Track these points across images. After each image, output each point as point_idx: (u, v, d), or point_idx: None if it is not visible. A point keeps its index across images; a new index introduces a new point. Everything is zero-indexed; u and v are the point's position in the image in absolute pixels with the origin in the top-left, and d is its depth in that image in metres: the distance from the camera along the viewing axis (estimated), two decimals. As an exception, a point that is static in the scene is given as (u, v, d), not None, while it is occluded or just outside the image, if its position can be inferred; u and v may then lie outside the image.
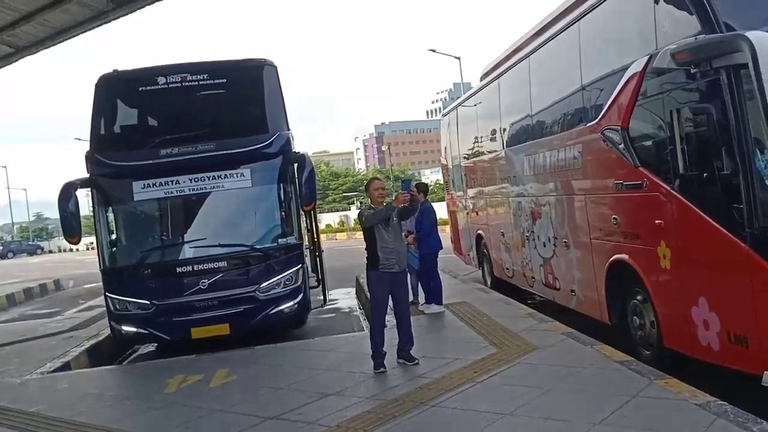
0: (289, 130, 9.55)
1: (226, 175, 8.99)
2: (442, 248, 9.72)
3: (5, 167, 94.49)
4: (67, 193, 8.69)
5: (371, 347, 6.52)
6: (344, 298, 13.93)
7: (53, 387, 7.37)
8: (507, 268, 11.16)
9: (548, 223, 8.78)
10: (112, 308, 9.05)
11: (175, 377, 7.09)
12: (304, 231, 9.69)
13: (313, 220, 10.11)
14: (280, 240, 9.20)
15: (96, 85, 9.38)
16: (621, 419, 4.52)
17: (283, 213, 9.33)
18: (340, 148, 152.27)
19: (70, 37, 11.75)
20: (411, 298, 9.93)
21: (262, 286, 8.90)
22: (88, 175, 9.07)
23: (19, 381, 7.73)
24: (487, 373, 5.91)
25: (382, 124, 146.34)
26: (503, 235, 11.05)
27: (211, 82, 9.48)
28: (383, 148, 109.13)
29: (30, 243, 76.45)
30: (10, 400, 6.74)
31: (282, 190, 9.25)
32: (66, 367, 8.56)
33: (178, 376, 7.14)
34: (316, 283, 10.37)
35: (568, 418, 4.61)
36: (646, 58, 5.76)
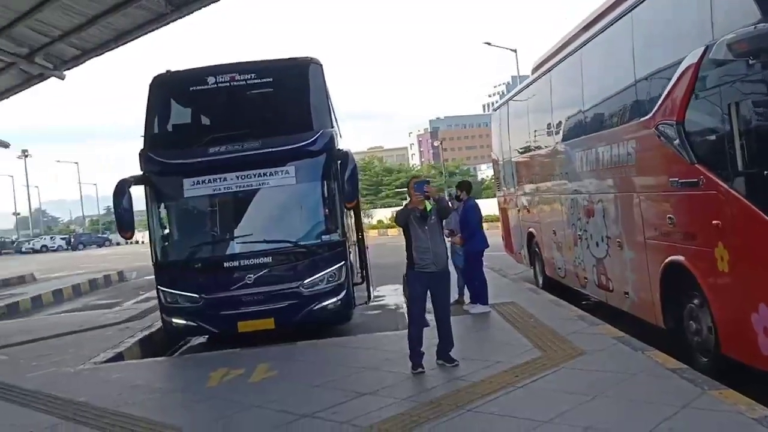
0: (333, 127, 9.54)
1: (271, 172, 9.04)
2: (488, 247, 9.51)
3: (77, 163, 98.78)
4: (121, 190, 8.89)
5: (409, 347, 6.40)
6: (391, 295, 13.78)
7: (104, 377, 7.55)
8: (559, 268, 10.84)
9: (601, 222, 8.46)
10: (163, 301, 9.22)
11: (218, 371, 7.16)
12: (347, 228, 9.64)
13: (357, 217, 10.06)
14: (323, 237, 9.19)
15: (150, 85, 9.57)
16: (668, 431, 4.27)
17: (327, 210, 9.30)
18: (394, 143, 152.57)
19: (132, 40, 12.08)
20: (456, 297, 9.85)
21: (305, 282, 8.91)
22: (141, 173, 9.27)
23: (73, 370, 7.95)
24: (528, 378, 5.71)
25: (437, 118, 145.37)
26: (555, 233, 10.75)
27: (258, 81, 9.54)
28: (435, 144, 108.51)
29: (99, 235, 79.52)
30: (62, 390, 6.92)
31: (326, 188, 9.22)
32: (119, 357, 8.78)
33: (221, 369, 7.21)
34: (360, 280, 10.35)
35: (610, 428, 4.41)
36: (702, 49, 5.44)
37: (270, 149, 8.96)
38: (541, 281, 12.09)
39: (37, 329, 11.60)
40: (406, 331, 8.10)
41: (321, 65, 9.80)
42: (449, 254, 9.70)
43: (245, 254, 8.95)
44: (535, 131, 11.45)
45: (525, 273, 13.19)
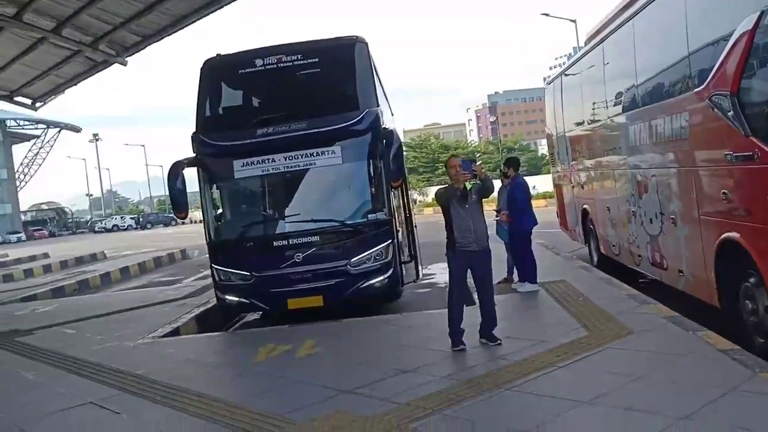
0: (378, 106, 9.51)
1: (317, 152, 9.11)
2: (536, 224, 9.35)
3: (143, 146, 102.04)
4: (175, 172, 9.14)
5: (448, 325, 6.41)
6: (442, 273, 13.70)
7: (160, 351, 7.85)
8: (613, 245, 10.58)
9: (655, 198, 8.19)
10: (216, 279, 9.48)
11: (266, 346, 7.33)
12: (394, 206, 9.65)
13: (405, 195, 10.05)
14: (370, 215, 9.24)
15: (201, 69, 9.76)
16: (711, 414, 4.15)
17: (373, 189, 9.31)
18: (452, 120, 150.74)
19: (188, 24, 12.36)
20: (504, 276, 9.76)
21: (353, 260, 8.98)
22: (194, 155, 9.50)
23: (132, 345, 8.30)
24: (572, 358, 5.62)
25: (496, 93, 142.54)
26: (609, 210, 10.47)
27: (304, 62, 9.59)
28: (491, 119, 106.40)
29: (166, 215, 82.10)
30: (122, 363, 7.24)
31: (372, 167, 9.23)
32: (175, 332, 9.11)
33: (269, 345, 7.38)
34: (408, 258, 10.38)
35: (652, 409, 4.29)
36: (757, 15, 5.15)
37: (316, 129, 9.02)
38: (596, 259, 11.83)
39: (104, 305, 12.15)
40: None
41: (366, 44, 9.78)
42: (496, 232, 9.64)
43: (294, 233, 9.09)
44: (588, 105, 11.12)
45: (581, 251, 12.93)
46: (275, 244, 9.13)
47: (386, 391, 5.30)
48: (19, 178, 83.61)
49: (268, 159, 9.16)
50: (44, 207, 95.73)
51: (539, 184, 38.05)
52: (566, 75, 12.89)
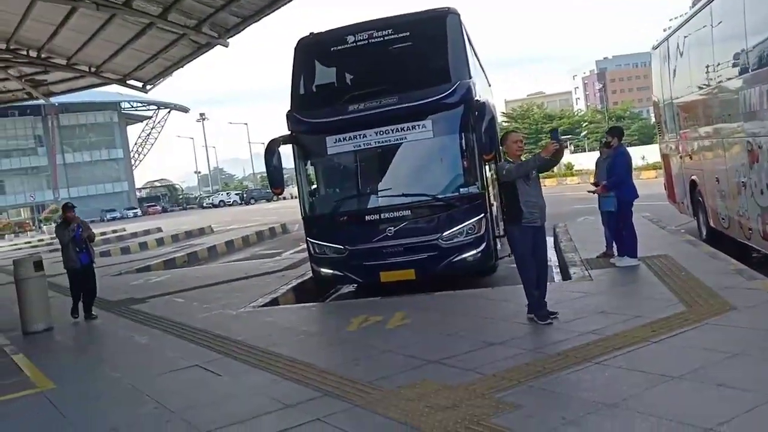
0: (470, 78, 9.39)
1: (408, 126, 9.12)
2: (637, 197, 8.99)
3: (246, 124, 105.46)
4: (271, 149, 9.47)
5: (528, 301, 6.42)
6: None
7: (259, 320, 8.25)
8: (722, 218, 10.01)
9: (766, 168, 7.68)
10: (311, 252, 9.79)
11: (358, 317, 7.54)
12: (488, 180, 9.55)
13: None
14: (461, 189, 9.19)
15: (295, 48, 10.01)
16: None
17: (465, 162, 9.25)
18: (558, 88, 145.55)
19: (284, 4, 12.64)
20: (603, 249, 9.49)
21: (444, 234, 8.99)
22: (289, 132, 9.79)
23: (234, 313, 8.76)
24: (666, 333, 5.43)
25: (605, 59, 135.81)
26: (718, 181, 9.89)
27: (395, 36, 9.60)
28: (597, 86, 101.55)
29: (268, 191, 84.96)
30: (224, 329, 7.69)
31: (463, 140, 9.14)
32: (274, 302, 9.52)
33: (361, 315, 7.58)
34: (502, 233, 10.27)
35: (744, 387, 4.11)
36: None
37: (406, 104, 9.05)
38: (704, 232, 11.25)
39: (210, 276, 12.86)
40: (550, 283, 8.11)
41: (458, 15, 9.66)
42: (599, 206, 9.37)
43: (386, 207, 9.19)
44: (697, 69, 10.49)
45: (690, 225, 12.32)
46: (368, 218, 9.27)
47: (473, 362, 5.34)
48: (133, 157, 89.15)
49: (360, 135, 9.28)
50: (157, 184, 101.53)
51: (649, 154, 36.20)
52: (673, 37, 12.20)
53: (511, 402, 4.35)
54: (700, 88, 10.40)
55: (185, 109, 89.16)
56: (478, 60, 15.41)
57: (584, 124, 72.00)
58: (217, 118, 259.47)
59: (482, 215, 9.16)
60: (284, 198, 77.93)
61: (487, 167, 9.56)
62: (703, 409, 3.89)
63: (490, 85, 19.65)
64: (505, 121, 76.96)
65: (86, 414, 5.25)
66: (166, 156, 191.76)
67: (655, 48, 13.95)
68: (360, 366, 5.69)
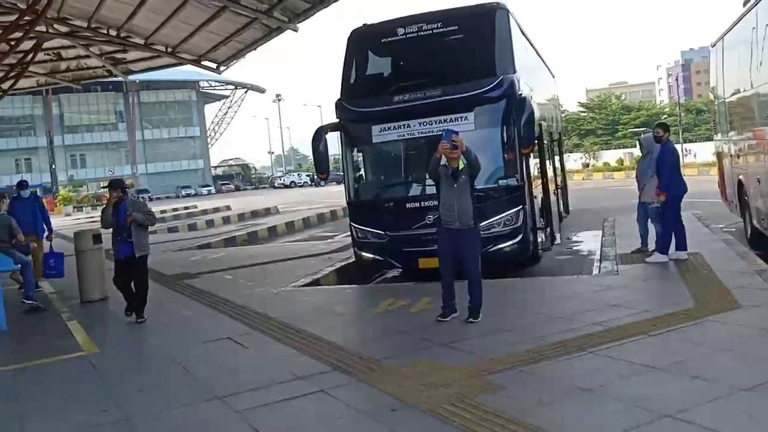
0: (515, 72, 9.59)
1: (450, 118, 9.39)
2: (686, 191, 8.96)
3: (320, 107, 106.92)
4: (318, 136, 9.99)
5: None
6: (591, 240, 13.59)
7: (296, 299, 8.81)
8: (762, 218, 9.91)
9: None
10: (354, 236, 10.30)
11: (387, 300, 8.01)
12: (530, 172, 9.74)
13: (542, 162, 10.08)
14: (500, 181, 9.44)
15: (348, 39, 10.45)
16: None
17: (505, 155, 9.49)
18: (641, 78, 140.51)
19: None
20: (638, 245, 9.59)
21: (481, 225, 9.25)
22: (337, 120, 10.27)
23: (275, 291, 9.36)
24: (665, 328, 5.66)
25: (690, 49, 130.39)
26: (759, 182, 9.79)
27: (444, 29, 9.88)
28: (681, 78, 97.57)
29: (338, 173, 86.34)
30: (262, 307, 8.26)
31: (504, 133, 9.39)
32: (315, 283, 10.07)
33: (390, 299, 8.04)
34: (544, 225, 10.48)
35: (717, 379, 4.37)
36: None
37: (449, 96, 9.36)
38: (749, 232, 11.12)
39: (262, 255, 13.58)
40: (577, 276, 8.56)
41: (507, 10, 9.87)
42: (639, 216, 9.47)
43: (425, 196, 9.52)
44: (743, 69, 10.34)
45: (740, 224, 12.15)
46: (408, 205, 9.64)
47: (477, 346, 5.72)
48: (209, 135, 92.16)
49: (404, 124, 9.66)
50: (231, 163, 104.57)
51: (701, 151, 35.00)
52: (727, 36, 11.97)
53: (499, 384, 4.72)
54: (745, 88, 10.28)
55: (261, 90, 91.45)
56: (537, 51, 15.47)
57: (664, 117, 69.23)
58: (293, 99, 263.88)
59: (521, 207, 9.40)
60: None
61: (530, 161, 9.80)
62: (669, 398, 4.16)
63: (554, 76, 19.61)
64: (582, 112, 75.11)
65: (120, 377, 5.89)
66: (241, 135, 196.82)
67: (713, 45, 13.69)
68: (374, 345, 6.16)
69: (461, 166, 6.76)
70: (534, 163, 10.66)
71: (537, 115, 12.10)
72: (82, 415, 4.87)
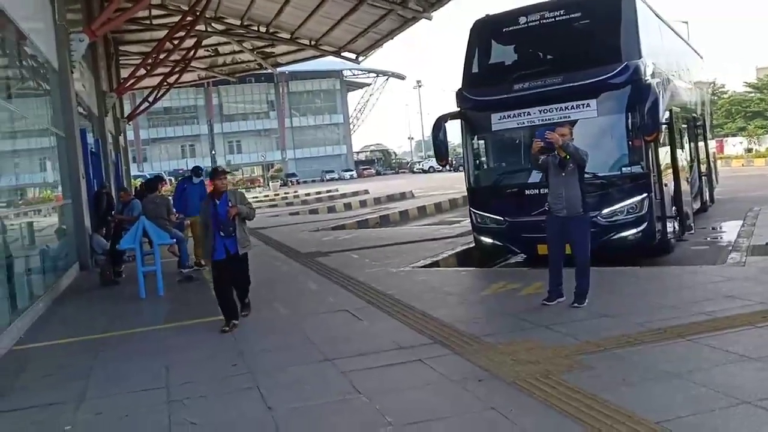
0: (641, 58, 9.39)
1: (572, 106, 9.42)
2: None
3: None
4: (438, 125, 10.40)
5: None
6: (734, 230, 12.89)
7: (412, 278, 9.27)
8: None
9: None
10: (474, 221, 10.61)
11: (498, 283, 8.30)
12: (655, 160, 9.52)
13: (673, 150, 9.83)
14: (624, 168, 9.34)
15: (470, 29, 10.74)
16: None
17: (629, 142, 9.36)
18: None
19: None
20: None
21: (603, 212, 9.22)
22: (458, 109, 10.60)
23: (394, 271, 9.90)
24: (777, 321, 5.52)
25: None
26: None
27: (567, 17, 9.88)
28: None
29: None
30: (380, 284, 8.83)
31: (629, 120, 9.25)
32: (435, 264, 10.51)
33: (502, 282, 8.32)
34: (674, 213, 10.20)
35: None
36: None
37: (570, 84, 9.38)
38: None
39: (389, 237, 14.23)
40: (701, 266, 8.49)
41: None
42: None
43: (544, 183, 9.55)
44: None
45: None
46: (527, 192, 9.78)
47: (576, 329, 5.90)
48: (352, 122, 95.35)
49: (524, 112, 9.81)
50: (373, 148, 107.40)
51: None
52: None
53: (587, 363, 4.92)
54: None
55: (402, 77, 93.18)
56: (676, 33, 14.80)
57: None
58: (433, 85, 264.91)
59: (645, 195, 9.26)
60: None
61: (659, 148, 9.60)
62: (755, 387, 4.18)
63: (702, 58, 18.58)
64: (749, 92, 69.05)
65: (249, 339, 6.62)
66: (382, 121, 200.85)
67: None
68: (476, 323, 6.50)
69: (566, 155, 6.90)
70: (664, 150, 10.37)
71: (672, 99, 11.72)
72: (216, 368, 5.66)
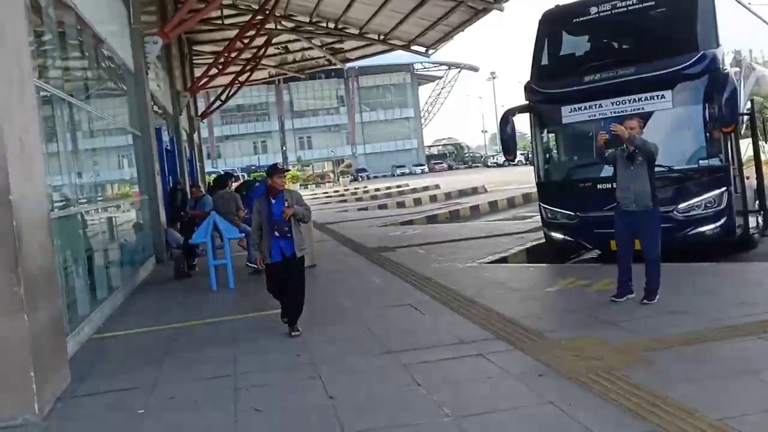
0: (718, 47, 9.01)
1: (645, 97, 9.14)
2: None
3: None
4: (506, 119, 10.28)
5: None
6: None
7: (477, 274, 9.23)
8: None
9: None
10: (544, 216, 10.44)
11: (567, 278, 8.19)
12: (734, 153, 9.13)
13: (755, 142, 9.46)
14: (701, 162, 9.02)
15: (539, 21, 10.56)
16: None
17: (707, 134, 9.01)
18: None
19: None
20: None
21: (680, 206, 8.94)
22: (526, 103, 10.45)
23: (460, 266, 9.89)
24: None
25: None
26: None
27: (640, 6, 9.56)
28: None
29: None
30: (445, 279, 8.83)
31: (706, 111, 8.91)
32: (502, 260, 10.43)
33: (570, 278, 8.19)
34: (756, 208, 9.79)
35: None
36: None
37: (644, 75, 9.10)
38: None
39: (457, 233, 14.22)
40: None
41: None
42: None
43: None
44: None
45: None
46: (599, 186, 9.52)
47: (642, 326, 5.79)
48: (423, 116, 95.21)
49: (595, 104, 9.58)
50: (444, 142, 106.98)
51: None
52: None
53: (650, 360, 4.83)
54: None
55: (475, 69, 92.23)
56: (759, 17, 14.06)
57: None
58: (509, 77, 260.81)
59: (724, 188, 8.92)
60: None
61: (739, 140, 9.23)
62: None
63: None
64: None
65: (314, 330, 6.74)
66: (455, 115, 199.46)
67: None
68: (540, 319, 6.44)
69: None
70: (746, 142, 9.93)
71: (755, 88, 11.16)
72: (281, 358, 5.86)
